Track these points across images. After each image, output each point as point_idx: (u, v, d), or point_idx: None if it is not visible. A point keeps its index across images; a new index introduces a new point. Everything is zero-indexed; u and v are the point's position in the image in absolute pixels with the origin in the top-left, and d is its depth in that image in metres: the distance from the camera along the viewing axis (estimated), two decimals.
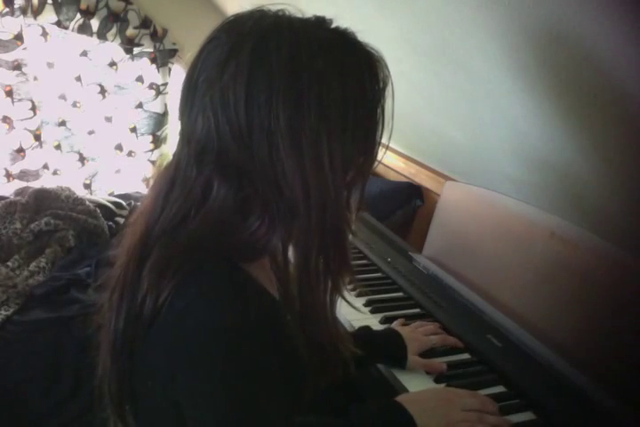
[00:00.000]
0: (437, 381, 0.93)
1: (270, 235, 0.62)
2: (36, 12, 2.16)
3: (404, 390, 0.91)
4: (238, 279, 0.62)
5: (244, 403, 0.57)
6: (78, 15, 2.23)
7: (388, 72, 0.65)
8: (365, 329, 0.99)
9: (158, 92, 2.53)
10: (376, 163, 0.68)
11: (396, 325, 1.06)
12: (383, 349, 0.96)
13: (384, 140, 0.67)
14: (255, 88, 0.57)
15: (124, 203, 2.33)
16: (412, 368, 0.95)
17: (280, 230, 0.62)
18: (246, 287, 0.62)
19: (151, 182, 0.71)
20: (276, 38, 0.58)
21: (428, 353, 0.99)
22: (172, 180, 0.65)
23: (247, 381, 0.58)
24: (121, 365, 0.66)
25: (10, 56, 2.16)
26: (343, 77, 0.60)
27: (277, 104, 0.57)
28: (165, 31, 2.41)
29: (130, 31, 2.35)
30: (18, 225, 1.96)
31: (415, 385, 0.91)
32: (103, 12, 2.28)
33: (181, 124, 0.65)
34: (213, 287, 0.60)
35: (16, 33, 2.14)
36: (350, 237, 0.67)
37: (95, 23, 2.28)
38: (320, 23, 0.62)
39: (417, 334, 1.00)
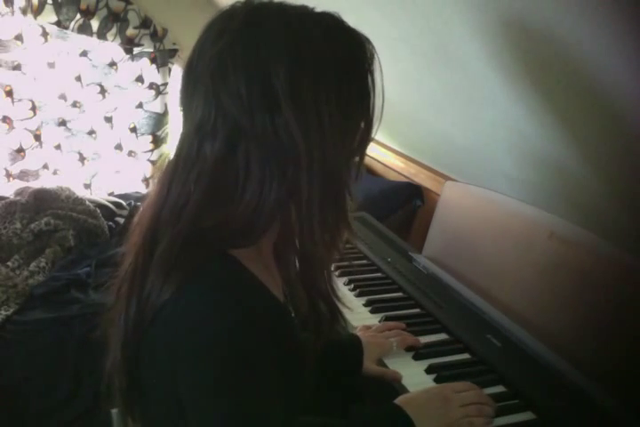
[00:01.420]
0: (437, 381, 0.93)
1: (265, 200, 0.62)
2: (36, 12, 2.16)
3: (404, 389, 0.91)
4: (241, 280, 0.63)
5: (245, 403, 0.57)
6: (78, 15, 2.23)
7: (373, 47, 0.67)
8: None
9: (158, 92, 2.53)
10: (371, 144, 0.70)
11: (359, 329, 1.05)
12: (339, 355, 0.95)
13: (376, 131, 0.70)
14: (252, 49, 0.60)
15: (124, 203, 2.33)
16: (366, 374, 0.94)
17: (276, 194, 0.62)
18: (248, 289, 0.63)
19: (155, 179, 0.72)
20: (266, 11, 0.62)
21: (425, 355, 0.99)
22: (175, 164, 0.66)
23: (247, 381, 0.58)
24: (131, 356, 0.66)
25: (10, 56, 2.16)
26: (332, 41, 0.63)
27: (276, 62, 0.59)
28: (165, 31, 2.41)
29: (130, 31, 2.35)
30: (18, 225, 1.96)
31: (415, 385, 0.91)
32: (103, 12, 2.28)
33: (182, 106, 0.66)
34: (215, 288, 0.61)
35: (16, 33, 2.15)
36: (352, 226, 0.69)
37: (95, 23, 2.28)
38: (305, 7, 0.65)
39: (378, 339, 0.99)
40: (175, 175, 0.65)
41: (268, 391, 0.59)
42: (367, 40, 0.67)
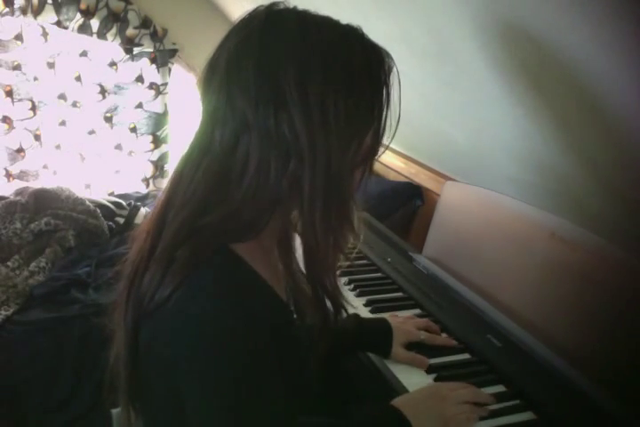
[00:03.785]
0: (437, 381, 0.93)
1: (263, 190, 0.63)
2: (36, 12, 2.16)
3: (404, 389, 0.91)
4: (241, 278, 0.63)
5: (242, 402, 0.58)
6: (78, 15, 2.23)
7: (393, 62, 0.68)
8: (355, 316, 1.00)
9: (158, 92, 2.53)
10: (380, 151, 0.71)
11: (388, 316, 1.06)
12: (370, 335, 0.97)
13: (387, 139, 0.70)
14: (265, 47, 0.62)
15: (124, 203, 2.33)
16: (394, 359, 0.96)
17: (275, 185, 0.63)
18: (249, 287, 0.63)
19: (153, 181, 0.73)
20: (286, 14, 0.65)
21: (429, 353, 0.99)
22: (190, 150, 0.67)
23: (246, 380, 0.59)
24: (131, 347, 0.67)
25: (10, 56, 2.16)
26: (348, 48, 0.64)
27: (287, 61, 0.61)
28: (165, 31, 2.41)
29: (130, 31, 2.35)
30: (18, 225, 1.96)
31: (415, 384, 0.91)
32: (103, 12, 2.28)
33: (200, 94, 0.67)
34: (215, 286, 0.61)
35: (16, 33, 2.15)
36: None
37: (95, 23, 2.28)
38: (328, 16, 0.67)
39: (407, 326, 1.01)
40: (188, 161, 0.66)
41: (267, 391, 0.60)
42: (387, 54, 0.68)
